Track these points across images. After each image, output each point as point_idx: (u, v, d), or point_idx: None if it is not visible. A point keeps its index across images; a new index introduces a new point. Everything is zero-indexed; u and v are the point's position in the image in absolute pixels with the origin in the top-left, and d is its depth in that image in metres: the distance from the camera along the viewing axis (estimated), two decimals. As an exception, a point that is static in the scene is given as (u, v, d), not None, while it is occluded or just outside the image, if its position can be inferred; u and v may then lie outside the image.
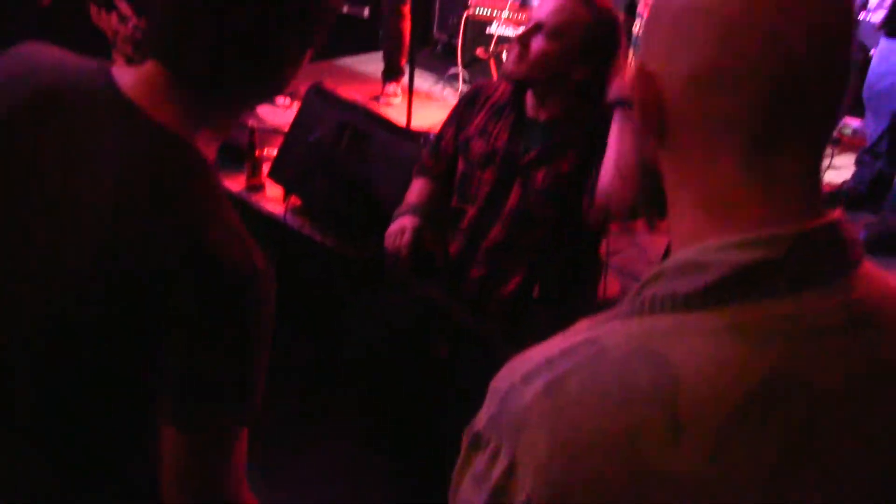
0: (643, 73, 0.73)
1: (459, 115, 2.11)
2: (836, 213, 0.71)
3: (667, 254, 0.75)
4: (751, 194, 0.70)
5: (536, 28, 1.87)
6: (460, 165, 2.07)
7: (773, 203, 0.70)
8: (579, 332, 0.71)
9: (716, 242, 0.69)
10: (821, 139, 0.72)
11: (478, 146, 2.02)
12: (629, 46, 2.05)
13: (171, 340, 0.92)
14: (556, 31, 1.84)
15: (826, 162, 4.09)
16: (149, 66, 0.99)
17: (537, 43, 1.86)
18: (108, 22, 1.71)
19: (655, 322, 0.69)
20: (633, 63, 3.66)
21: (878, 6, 3.16)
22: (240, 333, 0.94)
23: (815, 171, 0.72)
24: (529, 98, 1.97)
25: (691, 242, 0.71)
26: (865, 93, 3.49)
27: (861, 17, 3.34)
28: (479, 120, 2.04)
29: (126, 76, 1.00)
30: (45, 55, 1.06)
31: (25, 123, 0.99)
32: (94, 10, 1.72)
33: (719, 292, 0.67)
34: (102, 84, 0.99)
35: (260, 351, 0.97)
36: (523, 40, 1.88)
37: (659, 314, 0.69)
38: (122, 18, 1.74)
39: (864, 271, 0.71)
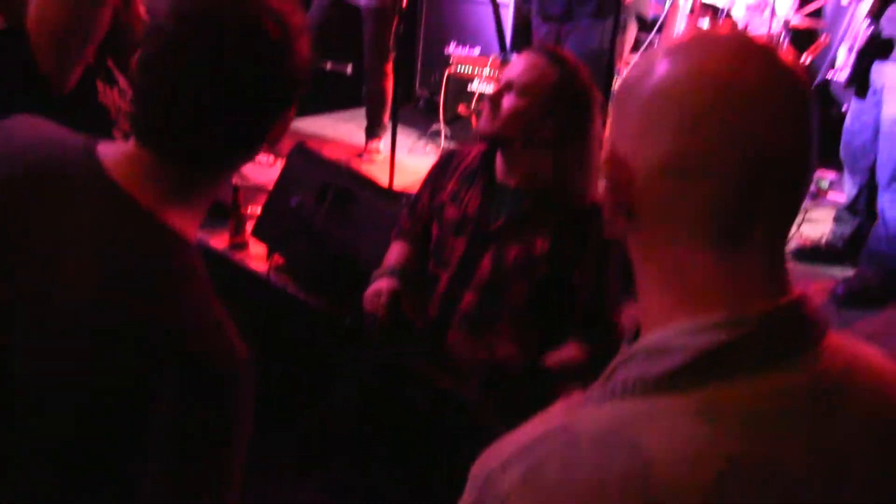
0: (614, 157, 0.75)
1: (433, 180, 2.15)
2: (799, 290, 0.74)
3: (637, 333, 0.78)
4: (716, 277, 0.72)
5: (507, 87, 1.92)
6: (435, 230, 2.10)
7: (738, 285, 0.72)
8: (554, 417, 0.73)
9: (683, 325, 0.71)
10: (785, 223, 0.75)
11: (450, 212, 2.05)
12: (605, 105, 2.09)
13: (153, 425, 0.93)
14: (526, 88, 1.90)
15: (802, 215, 4.16)
16: (132, 146, 1.01)
17: (508, 101, 1.91)
18: (111, 98, 1.74)
19: (627, 407, 0.70)
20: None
21: (845, 65, 3.24)
22: (221, 425, 0.95)
23: (780, 252, 0.75)
24: (499, 163, 2.01)
25: (659, 323, 0.74)
26: (842, 152, 3.55)
27: (829, 76, 3.42)
28: (451, 185, 2.08)
29: (110, 155, 1.01)
30: (31, 131, 1.08)
31: (8, 202, 1.00)
32: (100, 87, 1.76)
33: (688, 375, 0.69)
34: (87, 163, 1.00)
35: (240, 440, 0.97)
36: (495, 99, 1.93)
37: (630, 398, 0.70)
38: (122, 92, 1.77)
39: (829, 344, 0.73)
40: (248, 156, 1.08)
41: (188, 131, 0.98)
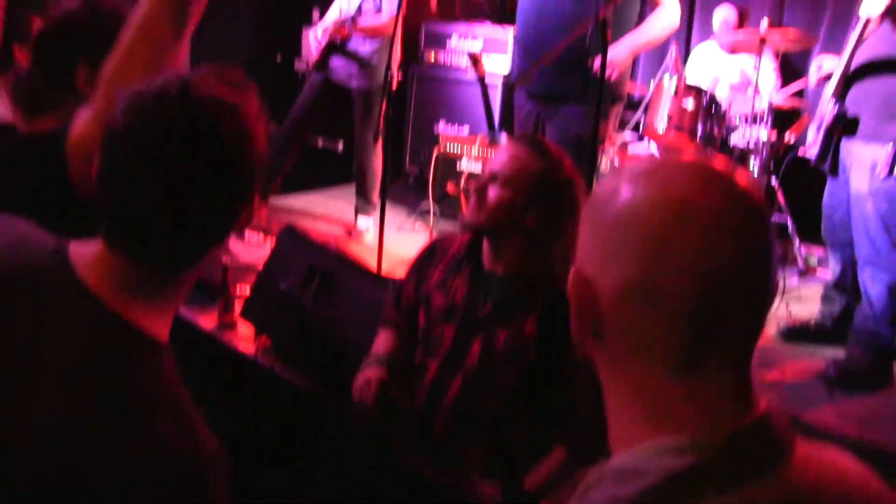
0: (581, 277, 0.77)
1: (418, 269, 2.17)
2: (765, 404, 0.75)
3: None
4: (679, 400, 0.73)
5: (492, 178, 1.96)
6: (422, 319, 2.10)
7: (702, 407, 0.73)
8: None
9: (651, 446, 0.72)
10: (748, 343, 0.76)
11: (438, 300, 2.06)
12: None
13: None
14: (510, 179, 1.94)
15: (794, 293, 4.18)
16: (102, 247, 1.02)
17: (493, 191, 1.95)
18: None
19: None
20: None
21: (814, 142, 3.32)
22: None
23: (745, 371, 0.76)
24: (486, 250, 2.03)
25: (629, 442, 0.75)
26: (823, 229, 3.59)
27: (800, 153, 3.48)
28: (437, 274, 2.09)
29: (82, 256, 1.02)
30: (4, 231, 1.09)
31: None
32: None
33: (658, 497, 0.70)
34: (58, 265, 1.01)
35: None
36: (480, 190, 1.96)
37: None
38: None
39: (798, 456, 0.74)
40: (216, 250, 1.09)
41: (152, 235, 1.00)
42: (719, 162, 0.78)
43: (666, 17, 3.47)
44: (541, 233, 1.95)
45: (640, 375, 0.75)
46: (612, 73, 3.29)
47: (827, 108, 3.22)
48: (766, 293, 0.75)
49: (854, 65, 3.14)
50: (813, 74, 3.46)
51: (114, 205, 1.00)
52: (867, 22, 3.02)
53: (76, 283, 0.99)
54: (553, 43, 3.20)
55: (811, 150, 3.31)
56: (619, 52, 3.32)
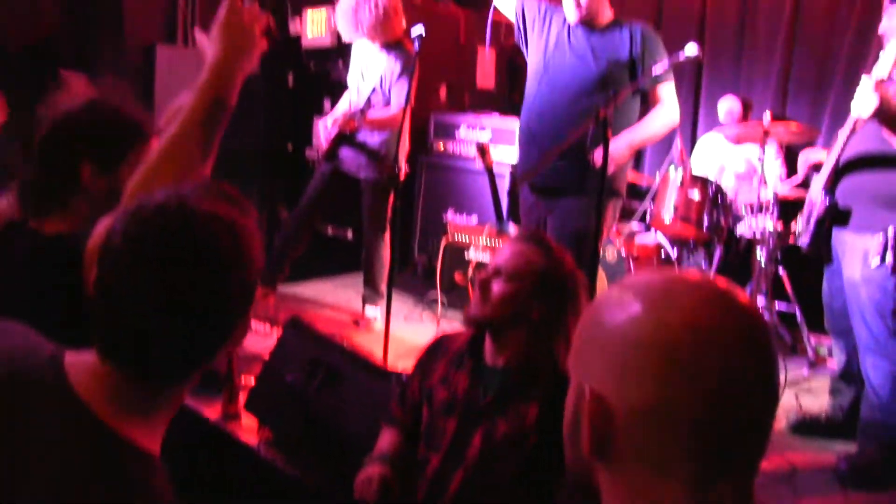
0: (594, 396, 0.80)
1: (423, 366, 2.20)
2: None
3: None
4: None
5: (496, 273, 2.02)
6: (425, 414, 2.13)
7: None
8: None
9: None
10: (755, 458, 0.79)
11: (440, 394, 2.09)
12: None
13: None
14: (513, 274, 2.00)
15: (803, 385, 4.16)
16: (96, 359, 1.03)
17: (497, 286, 2.00)
18: None
19: None
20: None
21: (805, 231, 3.38)
22: None
23: (750, 484, 0.79)
24: (488, 345, 2.07)
25: None
26: (826, 320, 3.60)
27: (790, 241, 3.53)
28: (440, 369, 2.13)
29: (77, 367, 1.03)
30: (2, 339, 1.10)
31: None
32: None
33: None
34: (52, 375, 1.02)
35: None
36: (484, 285, 2.02)
37: None
38: None
39: None
40: (208, 366, 1.10)
41: (146, 349, 1.01)
42: (722, 281, 0.83)
43: (665, 115, 3.56)
44: (543, 326, 2.00)
45: (649, 489, 0.78)
46: (610, 168, 3.35)
47: (817, 199, 3.30)
48: (774, 411, 0.80)
49: (843, 159, 3.23)
50: (801, 166, 3.56)
51: (107, 317, 1.02)
52: (857, 121, 3.12)
53: (69, 394, 1.00)
54: (556, 139, 3.29)
55: (802, 238, 3.38)
56: (618, 147, 3.38)
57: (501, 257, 2.05)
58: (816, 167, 3.38)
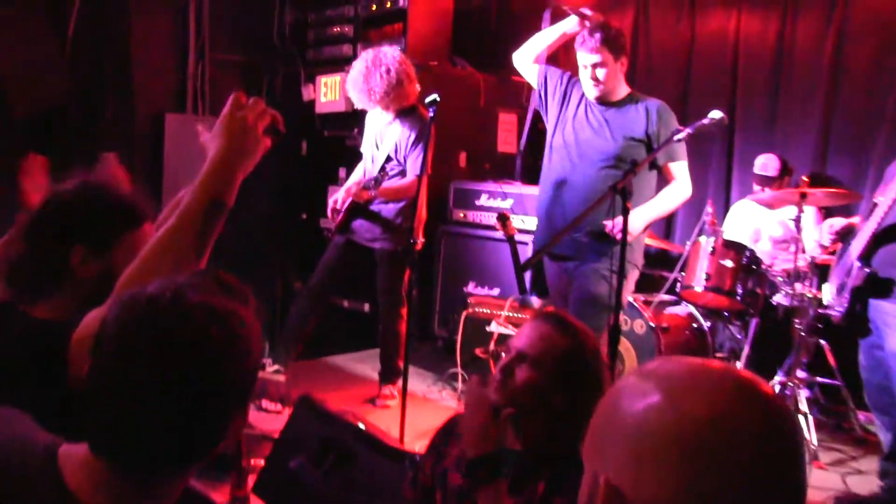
0: (609, 486, 0.84)
1: (437, 447, 2.26)
2: None
3: None
4: None
5: (519, 358, 2.06)
6: (439, 499, 2.19)
7: None
8: None
9: None
10: None
11: (454, 479, 2.16)
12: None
13: None
14: (536, 359, 2.03)
15: (851, 465, 4.16)
16: (89, 453, 1.07)
17: (520, 372, 2.04)
18: None
19: None
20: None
21: (837, 303, 3.44)
22: None
23: None
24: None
25: None
26: (867, 397, 3.64)
27: (820, 310, 3.59)
28: (456, 451, 2.19)
29: (71, 458, 1.08)
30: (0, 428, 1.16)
31: None
32: None
33: None
34: (46, 467, 1.07)
35: None
36: (507, 371, 2.06)
37: None
38: None
39: None
40: (203, 461, 1.13)
41: (138, 444, 1.05)
42: (745, 372, 0.87)
43: (679, 192, 3.89)
44: (566, 412, 2.05)
45: None
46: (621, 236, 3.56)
47: (853, 269, 3.37)
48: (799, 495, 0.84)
49: (883, 226, 3.31)
50: (825, 235, 3.65)
51: (99, 410, 1.06)
52: None
53: (61, 487, 1.05)
54: (574, 211, 3.50)
55: (834, 310, 3.43)
56: (633, 221, 3.56)
57: (524, 339, 2.09)
58: (841, 234, 3.47)
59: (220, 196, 1.53)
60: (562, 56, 5.97)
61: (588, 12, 3.98)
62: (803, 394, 4.27)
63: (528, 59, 4.16)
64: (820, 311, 3.62)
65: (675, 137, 3.48)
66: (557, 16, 4.15)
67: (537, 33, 4.20)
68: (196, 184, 1.54)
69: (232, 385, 1.09)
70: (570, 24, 4.06)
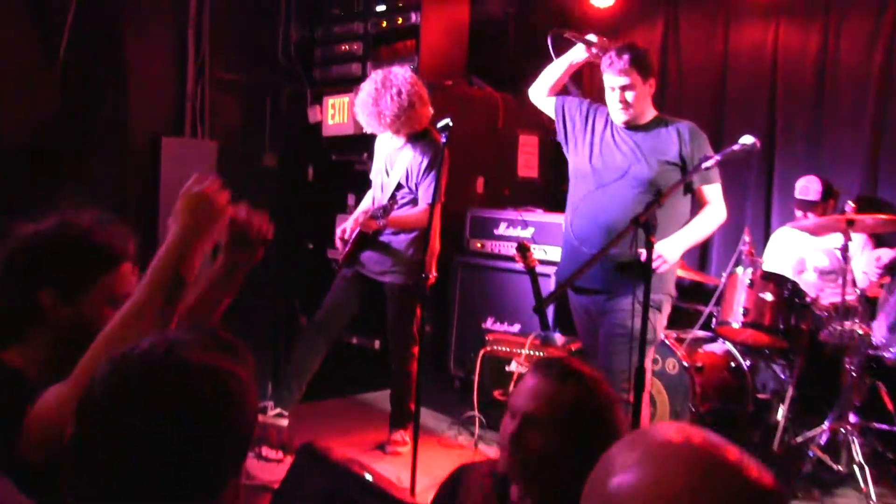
0: None
1: (442, 501, 2.23)
2: None
3: None
4: None
5: (525, 422, 1.99)
6: None
7: None
8: None
9: None
10: None
11: None
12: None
13: None
14: (543, 421, 1.97)
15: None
16: None
17: (529, 437, 1.98)
18: None
19: None
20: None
21: (890, 342, 3.38)
22: None
23: None
24: (515, 487, 2.09)
25: None
26: None
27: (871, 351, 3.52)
28: None
29: None
30: None
31: None
32: None
33: None
34: None
35: None
36: (516, 440, 1.99)
37: None
38: None
39: None
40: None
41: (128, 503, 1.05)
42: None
43: (714, 216, 3.90)
44: (582, 466, 2.00)
45: None
46: (659, 267, 3.57)
47: None
48: None
49: None
50: (871, 268, 3.58)
51: (85, 475, 1.06)
52: None
53: None
54: (600, 241, 3.46)
55: (888, 350, 3.36)
56: (669, 248, 3.63)
57: (527, 400, 2.03)
58: (890, 267, 3.39)
59: (179, 273, 1.67)
60: (586, 78, 5.96)
61: (594, 38, 4.02)
62: (856, 441, 4.17)
63: (542, 94, 4.22)
64: (870, 352, 3.53)
65: (703, 165, 3.50)
66: (558, 41, 4.15)
67: (548, 66, 4.21)
68: (156, 261, 1.69)
69: (226, 449, 1.11)
70: (577, 53, 4.11)
